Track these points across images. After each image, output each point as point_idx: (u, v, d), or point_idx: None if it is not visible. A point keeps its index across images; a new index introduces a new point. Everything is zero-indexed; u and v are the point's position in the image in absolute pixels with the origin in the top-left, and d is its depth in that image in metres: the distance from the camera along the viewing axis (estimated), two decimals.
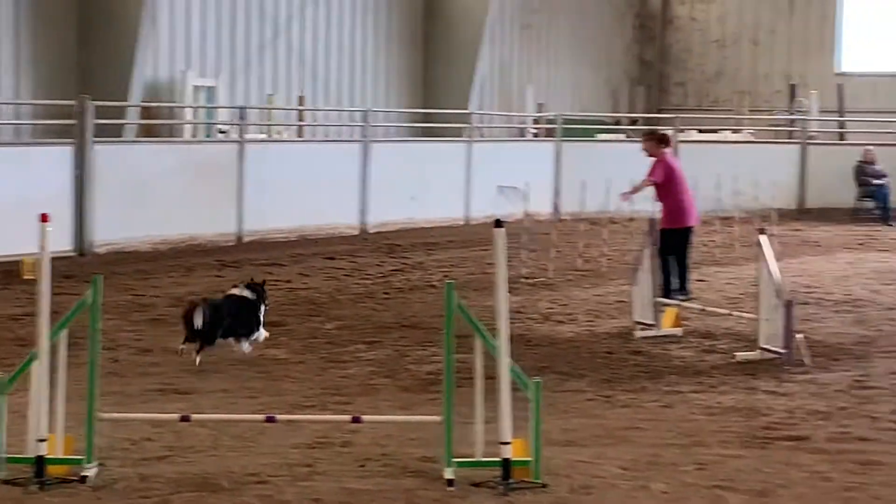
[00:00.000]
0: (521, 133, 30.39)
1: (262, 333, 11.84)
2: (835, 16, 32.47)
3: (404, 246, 21.65)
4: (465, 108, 27.52)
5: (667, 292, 14.42)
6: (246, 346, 11.69)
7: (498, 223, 7.62)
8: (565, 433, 8.96)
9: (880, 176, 28.83)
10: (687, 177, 15.94)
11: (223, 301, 11.71)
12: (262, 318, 11.80)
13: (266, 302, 11.91)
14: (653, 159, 15.71)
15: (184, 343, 11.38)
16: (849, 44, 32.51)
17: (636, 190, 15.83)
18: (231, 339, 11.61)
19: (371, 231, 23.40)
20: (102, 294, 7.89)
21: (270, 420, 8.41)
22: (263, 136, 24.16)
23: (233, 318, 11.56)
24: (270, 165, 21.80)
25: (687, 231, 15.54)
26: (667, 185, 15.55)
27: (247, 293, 11.78)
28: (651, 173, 15.64)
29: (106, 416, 8.01)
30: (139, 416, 8.91)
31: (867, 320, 14.41)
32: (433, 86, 28.87)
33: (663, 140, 15.89)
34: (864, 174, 28.91)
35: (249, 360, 11.66)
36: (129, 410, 9.20)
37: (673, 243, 15.12)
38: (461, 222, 25.41)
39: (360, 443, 8.63)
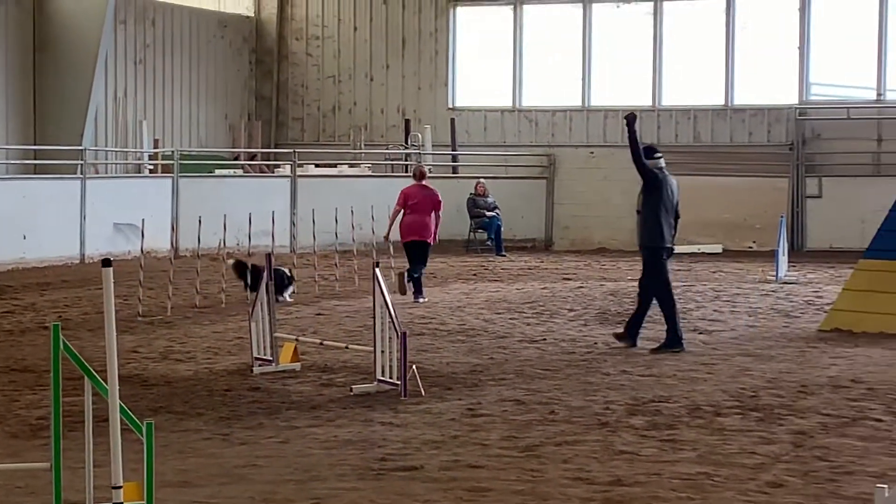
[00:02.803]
0: (138, 169, 29.93)
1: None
2: (447, 52, 33.36)
3: (15, 287, 20.94)
4: (79, 144, 26.88)
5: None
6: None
7: (106, 262, 7.44)
8: (181, 474, 8.83)
9: (492, 208, 29.82)
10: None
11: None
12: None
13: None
14: None
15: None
16: (461, 79, 33.49)
17: (391, 221, 19.89)
18: None
19: None
20: None
21: None
22: None
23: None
24: None
25: (407, 244, 19.64)
26: (403, 208, 19.61)
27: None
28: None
29: None
30: None
31: (480, 349, 14.84)
32: (45, 121, 28.07)
33: (414, 174, 20.26)
34: (477, 206, 29.84)
35: None
36: None
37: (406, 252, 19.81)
38: (76, 261, 24.80)
39: None
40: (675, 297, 15.20)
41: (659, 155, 15.10)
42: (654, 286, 15.05)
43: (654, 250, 14.99)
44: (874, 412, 11.09)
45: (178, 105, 32.04)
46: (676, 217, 15.09)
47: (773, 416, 10.93)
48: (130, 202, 25.71)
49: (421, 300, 19.39)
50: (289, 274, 19.50)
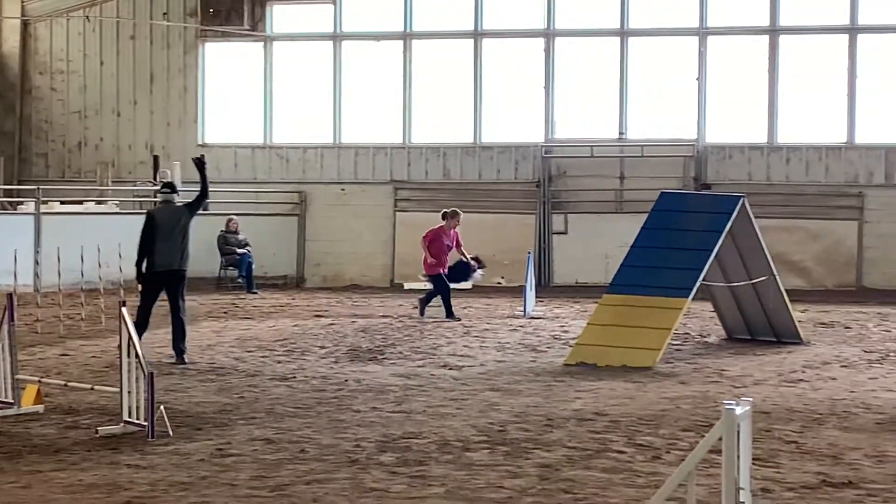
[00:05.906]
0: None
1: None
2: (197, 89, 33.05)
3: None
4: None
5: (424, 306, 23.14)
6: None
7: None
8: None
9: (243, 245, 29.62)
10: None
11: None
12: None
13: None
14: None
15: None
16: (210, 116, 33.21)
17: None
18: None
19: None
20: None
21: None
22: None
23: None
24: None
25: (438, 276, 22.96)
26: (428, 246, 22.95)
27: None
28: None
29: None
30: None
31: (230, 388, 14.71)
32: None
33: (443, 215, 23.38)
34: (228, 244, 29.60)
35: None
36: None
37: (434, 283, 23.08)
38: None
39: None
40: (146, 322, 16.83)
41: (166, 190, 17.89)
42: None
43: (145, 274, 16.98)
44: (616, 444, 11.38)
45: None
46: (184, 242, 17.49)
47: (520, 449, 11.11)
48: None
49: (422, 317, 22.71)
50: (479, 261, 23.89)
